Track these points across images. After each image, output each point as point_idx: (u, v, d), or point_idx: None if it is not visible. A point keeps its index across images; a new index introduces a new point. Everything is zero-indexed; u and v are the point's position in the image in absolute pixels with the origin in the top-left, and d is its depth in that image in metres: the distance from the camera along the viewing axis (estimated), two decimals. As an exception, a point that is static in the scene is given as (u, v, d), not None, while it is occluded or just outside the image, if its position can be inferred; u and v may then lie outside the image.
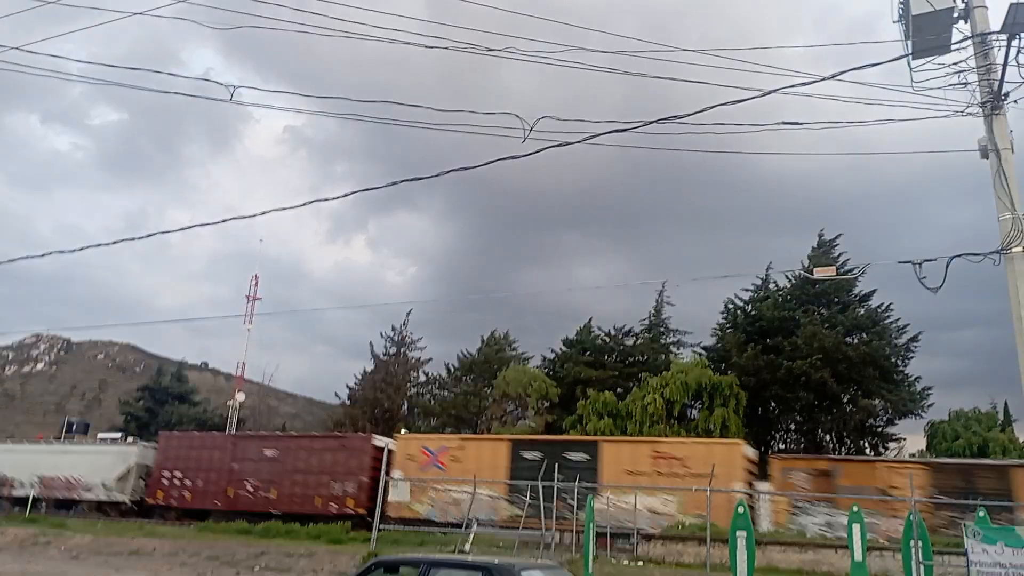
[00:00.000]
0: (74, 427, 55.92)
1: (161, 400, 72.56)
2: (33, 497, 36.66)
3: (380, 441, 32.30)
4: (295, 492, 31.94)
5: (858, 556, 18.95)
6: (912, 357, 44.64)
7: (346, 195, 11.93)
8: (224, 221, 13.55)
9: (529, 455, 29.18)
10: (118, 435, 48.03)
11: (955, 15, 8.37)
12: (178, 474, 34.60)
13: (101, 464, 36.26)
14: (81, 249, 14.21)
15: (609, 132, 9.33)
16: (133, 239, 13.80)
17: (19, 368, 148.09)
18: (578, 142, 9.43)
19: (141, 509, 35.23)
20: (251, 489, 32.94)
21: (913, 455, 47.17)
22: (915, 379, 44.49)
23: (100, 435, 53.92)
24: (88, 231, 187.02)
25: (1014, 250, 7.89)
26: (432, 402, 56.80)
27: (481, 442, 33.48)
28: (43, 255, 14.42)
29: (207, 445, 36.00)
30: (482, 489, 25.64)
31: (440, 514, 28.37)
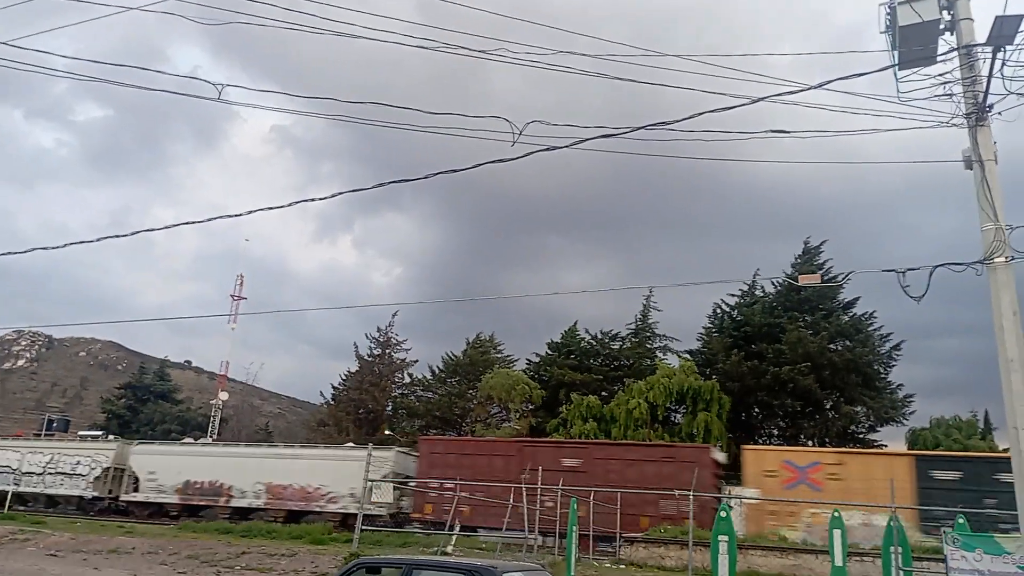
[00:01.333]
0: (54, 424, 55.46)
1: (143, 398, 72.05)
2: (253, 507, 33.68)
3: (718, 454, 29.17)
4: (606, 511, 25.51)
5: (839, 561, 19.08)
6: (895, 365, 45.06)
7: (333, 196, 11.90)
8: (210, 220, 13.47)
9: (942, 475, 25.27)
10: (99, 433, 47.60)
11: (941, 27, 8.45)
12: (449, 485, 28.54)
13: (347, 472, 30.39)
14: (65, 246, 14.08)
15: (598, 137, 9.36)
16: (117, 236, 13.71)
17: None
18: (567, 147, 9.46)
19: (396, 524, 29.61)
20: (550, 505, 25.32)
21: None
22: (897, 386, 44.90)
23: (80, 433, 53.45)
24: (72, 228, 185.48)
25: (997, 260, 7.97)
26: (416, 403, 56.73)
27: (869, 458, 28.79)
28: (26, 251, 14.25)
29: (485, 451, 32.09)
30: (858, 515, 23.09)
31: (821, 541, 23.01)
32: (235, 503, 33.89)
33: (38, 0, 12.84)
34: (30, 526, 26.53)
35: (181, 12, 10.20)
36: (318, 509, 32.43)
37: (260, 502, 33.44)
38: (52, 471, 38.46)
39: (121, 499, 36.86)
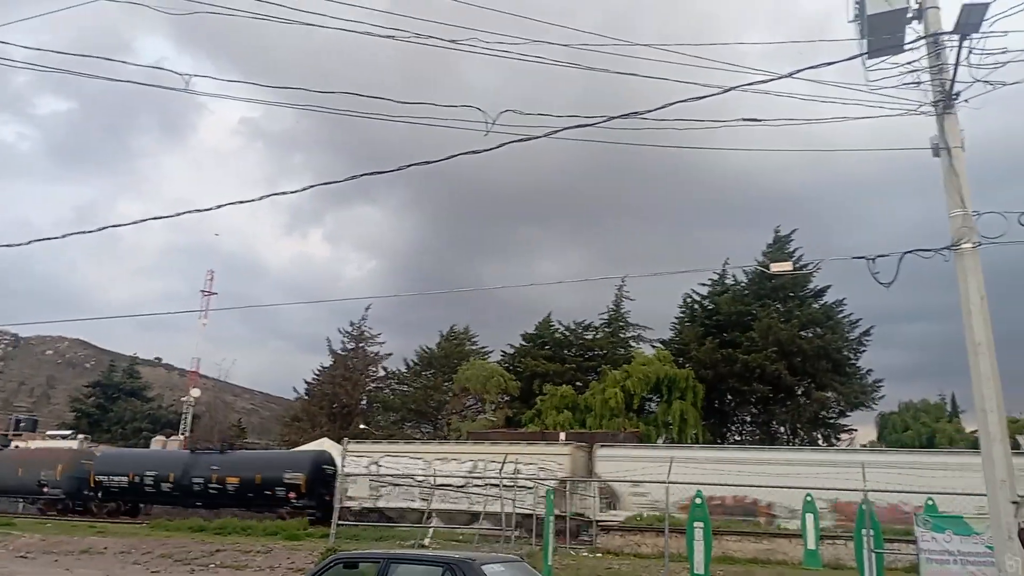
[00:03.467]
0: (22, 424, 54.54)
1: (113, 396, 71.06)
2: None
3: None
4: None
5: (811, 544, 19.36)
6: (864, 350, 45.82)
7: (305, 188, 11.75)
8: (179, 215, 13.28)
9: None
10: (68, 433, 46.92)
11: (909, 15, 8.52)
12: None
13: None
14: (29, 243, 13.77)
15: (571, 127, 9.33)
16: (84, 232, 13.39)
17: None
18: (540, 137, 9.42)
19: None
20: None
21: (864, 446, 48.31)
22: (867, 372, 45.66)
23: (49, 433, 52.59)
24: (36, 223, 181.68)
25: (964, 246, 8.08)
26: (391, 397, 56.57)
27: None
28: (-12, 248, 13.92)
29: None
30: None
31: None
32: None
33: (-4, -9, 12.51)
34: (-1, 528, 26.08)
35: (145, 2, 9.99)
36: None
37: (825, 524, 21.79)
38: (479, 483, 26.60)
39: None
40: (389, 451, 31.89)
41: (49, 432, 54.21)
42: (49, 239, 13.05)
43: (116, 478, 34.57)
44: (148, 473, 33.98)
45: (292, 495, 30.71)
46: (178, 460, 34.91)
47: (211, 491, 32.47)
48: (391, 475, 28.54)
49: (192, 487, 32.88)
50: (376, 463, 30.03)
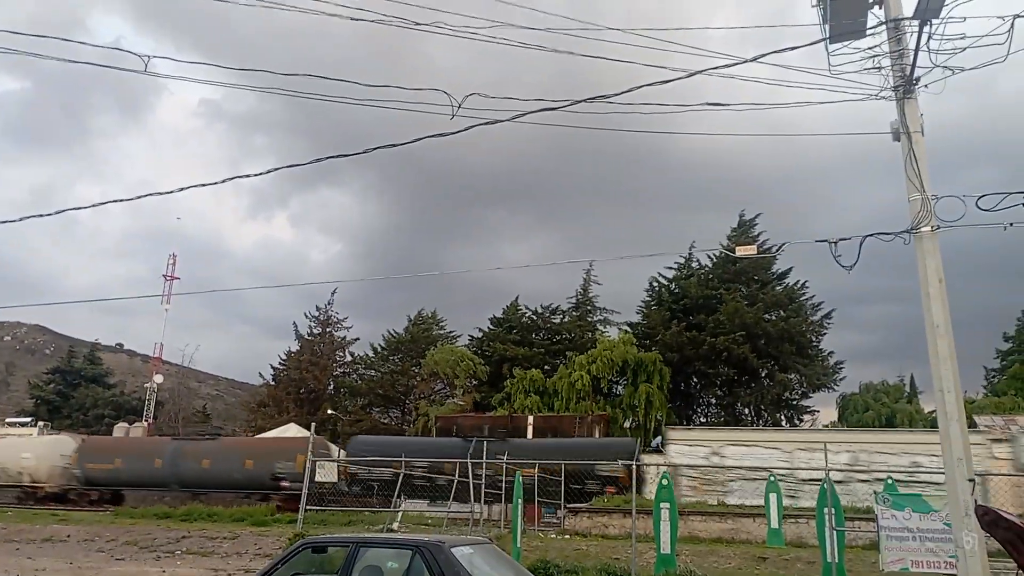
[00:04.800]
0: (-21, 412, 53.41)
1: (73, 383, 69.86)
2: None
3: None
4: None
5: (775, 523, 19.72)
6: (826, 332, 46.65)
7: (269, 171, 11.60)
8: (140, 197, 13.02)
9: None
10: (27, 420, 46.04)
11: (871, 1, 8.63)
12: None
13: None
14: (-16, 225, 13.45)
15: (538, 111, 9.32)
16: (41, 216, 13.12)
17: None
18: (507, 120, 9.40)
19: None
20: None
21: (826, 426, 49.21)
22: (828, 354, 46.50)
23: (8, 420, 51.57)
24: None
25: (923, 229, 8.23)
26: (359, 382, 56.38)
27: None
28: (-58, 231, 13.58)
29: None
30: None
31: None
32: None
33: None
34: (-43, 518, 25.56)
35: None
36: None
37: None
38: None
39: None
40: (732, 438, 28.47)
41: (8, 420, 53.16)
42: (5, 222, 12.73)
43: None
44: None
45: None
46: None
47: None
48: (740, 467, 25.02)
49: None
50: (716, 452, 27.15)
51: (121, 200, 13.60)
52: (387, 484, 26.71)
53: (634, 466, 17.42)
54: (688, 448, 27.22)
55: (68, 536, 21.52)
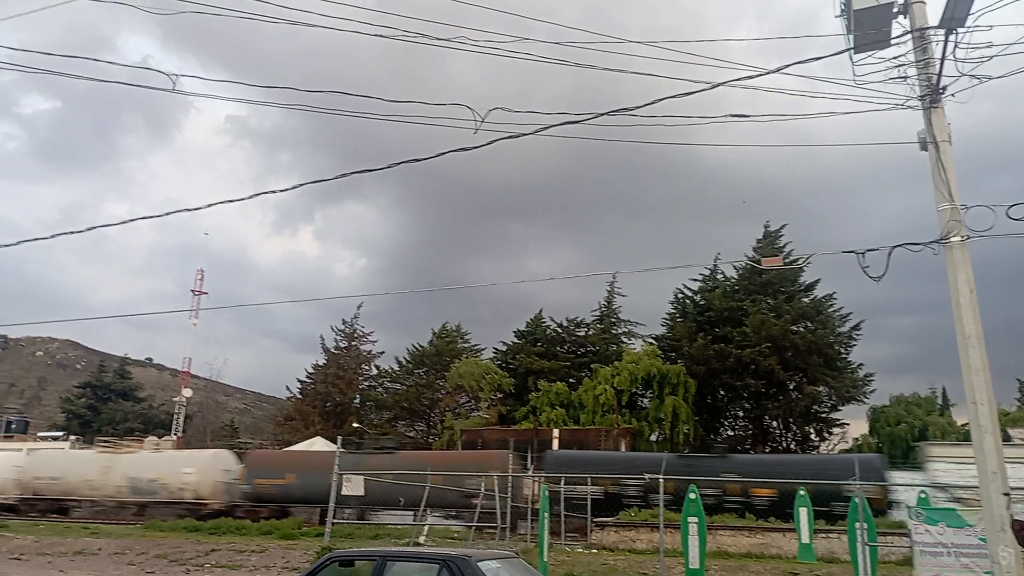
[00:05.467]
0: (13, 426, 54.28)
1: (104, 397, 70.84)
2: None
3: None
4: None
5: (805, 538, 19.43)
6: (855, 344, 46.01)
7: (294, 187, 11.74)
8: (168, 214, 13.22)
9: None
10: (60, 434, 46.67)
11: (895, 10, 8.55)
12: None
13: None
14: (19, 243, 13.79)
15: (560, 124, 9.35)
16: (72, 233, 13.35)
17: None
18: (530, 134, 9.44)
19: None
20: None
21: (856, 439, 48.51)
22: (858, 366, 45.85)
23: (40, 434, 52.35)
24: (22, 224, 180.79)
25: (953, 239, 8.12)
26: (384, 395, 56.55)
27: None
28: (-23, 249, 13.87)
29: None
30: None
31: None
32: None
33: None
34: (-9, 531, 25.95)
35: (131, 2, 9.95)
36: None
37: None
38: None
39: None
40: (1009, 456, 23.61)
41: (40, 434, 53.96)
42: (38, 239, 13.02)
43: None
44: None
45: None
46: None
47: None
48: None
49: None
50: None
51: (149, 217, 13.86)
52: (592, 503, 24.25)
53: (660, 479, 17.23)
54: (955, 466, 23.94)
55: (99, 549, 21.78)
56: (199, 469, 32.57)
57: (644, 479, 21.21)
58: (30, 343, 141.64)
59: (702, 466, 26.48)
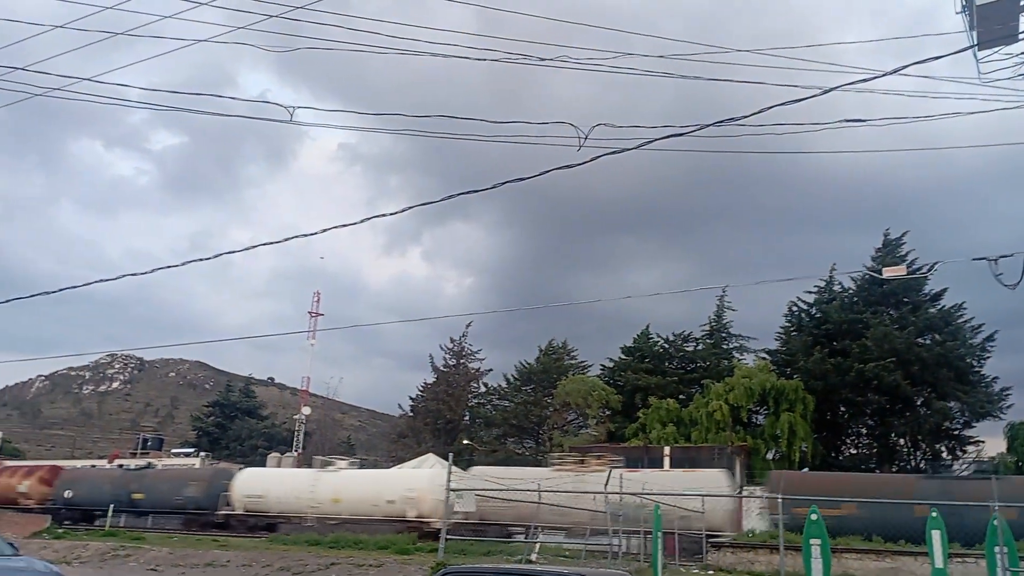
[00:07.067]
0: (148, 443, 57.86)
1: (231, 415, 74.49)
2: None
3: None
4: None
5: (939, 563, 18.25)
6: (988, 357, 43.18)
7: (403, 210, 12.11)
8: (286, 240, 13.86)
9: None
10: (191, 450, 49.35)
11: (1022, 3, 8.10)
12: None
13: None
14: (153, 271, 14.73)
15: (665, 137, 9.27)
16: (201, 260, 14.23)
17: (96, 387, 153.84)
18: (634, 148, 9.40)
19: None
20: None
21: (993, 458, 45.36)
22: (992, 379, 42.96)
23: (173, 451, 55.56)
24: (154, 253, 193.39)
25: (1096, 242, 7.57)
26: (493, 412, 57.05)
27: None
28: (117, 278, 14.97)
29: None
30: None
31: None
32: None
33: (114, 36, 13.48)
34: (130, 542, 27.64)
35: (250, 41, 10.56)
36: None
37: None
38: None
39: None
40: None
41: (173, 450, 57.25)
42: (170, 267, 13.95)
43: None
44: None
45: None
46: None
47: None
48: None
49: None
50: None
51: (270, 243, 14.58)
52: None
53: (779, 499, 16.63)
54: None
55: (228, 561, 22.86)
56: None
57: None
58: (163, 365, 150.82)
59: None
